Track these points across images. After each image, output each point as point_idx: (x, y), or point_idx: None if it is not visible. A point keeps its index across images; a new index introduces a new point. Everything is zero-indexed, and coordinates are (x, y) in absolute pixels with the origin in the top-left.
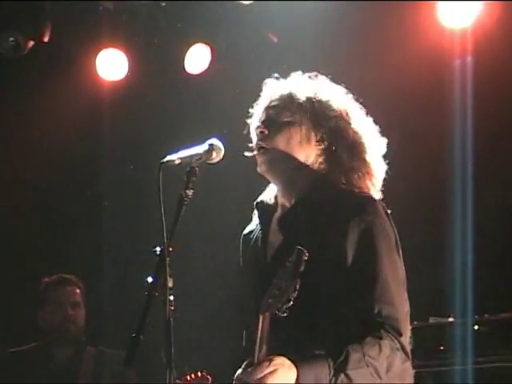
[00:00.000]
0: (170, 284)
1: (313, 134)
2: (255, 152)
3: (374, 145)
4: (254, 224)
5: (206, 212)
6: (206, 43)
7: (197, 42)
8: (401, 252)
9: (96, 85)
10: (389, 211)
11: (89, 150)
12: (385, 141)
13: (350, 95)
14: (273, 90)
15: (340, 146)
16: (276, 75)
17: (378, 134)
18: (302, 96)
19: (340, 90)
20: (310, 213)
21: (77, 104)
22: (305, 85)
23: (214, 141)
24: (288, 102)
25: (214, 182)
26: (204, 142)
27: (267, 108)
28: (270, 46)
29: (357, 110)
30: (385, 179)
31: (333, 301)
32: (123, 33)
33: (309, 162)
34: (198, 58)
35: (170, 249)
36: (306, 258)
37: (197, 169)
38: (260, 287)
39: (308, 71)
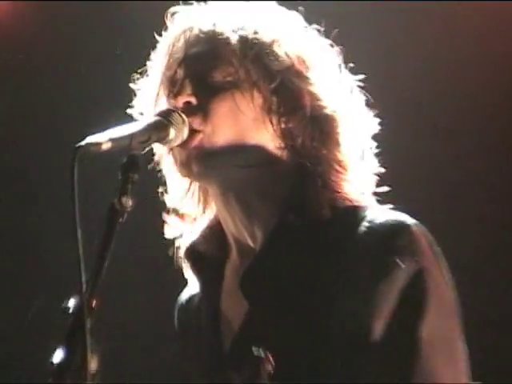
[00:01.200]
0: (93, 366)
1: (273, 103)
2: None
3: (355, 119)
4: (194, 286)
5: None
6: None
7: None
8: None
9: None
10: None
11: None
12: (374, 117)
13: (313, 32)
14: (188, 24)
15: (301, 122)
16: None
17: (362, 103)
18: (243, 34)
19: (293, 17)
20: (297, 257)
21: None
22: (242, 12)
23: (172, 109)
24: (226, 46)
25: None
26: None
27: (185, 58)
28: None
29: (323, 57)
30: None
31: None
32: None
33: (271, 154)
34: None
35: (93, 304)
36: (270, 370)
37: (140, 158)
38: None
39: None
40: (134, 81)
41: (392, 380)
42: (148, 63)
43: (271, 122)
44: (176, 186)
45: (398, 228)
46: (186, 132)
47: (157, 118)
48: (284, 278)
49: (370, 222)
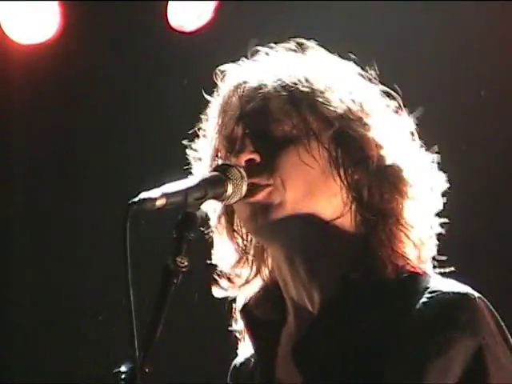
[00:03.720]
0: None
1: (339, 153)
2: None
3: (421, 172)
4: (248, 350)
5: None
6: None
7: None
8: None
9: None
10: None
11: None
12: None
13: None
14: (242, 81)
15: (367, 175)
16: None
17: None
18: (297, 86)
19: (345, 64)
20: (352, 325)
21: None
22: (292, 64)
23: (230, 163)
24: (282, 99)
25: None
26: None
27: (243, 115)
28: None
29: (381, 103)
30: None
31: None
32: None
33: (340, 213)
34: (190, 5)
35: (147, 370)
36: None
37: (198, 216)
38: None
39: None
40: (192, 139)
41: None
42: (202, 123)
43: (338, 174)
44: (227, 249)
45: (459, 302)
46: (244, 188)
47: (213, 172)
48: (338, 347)
49: (431, 292)
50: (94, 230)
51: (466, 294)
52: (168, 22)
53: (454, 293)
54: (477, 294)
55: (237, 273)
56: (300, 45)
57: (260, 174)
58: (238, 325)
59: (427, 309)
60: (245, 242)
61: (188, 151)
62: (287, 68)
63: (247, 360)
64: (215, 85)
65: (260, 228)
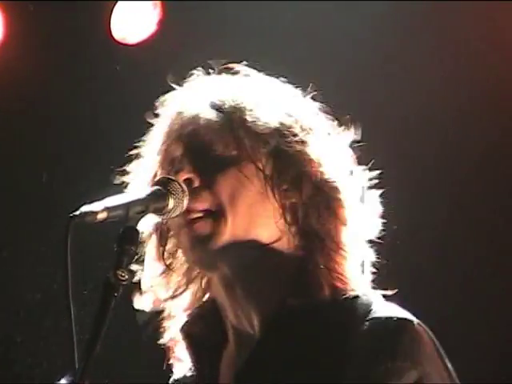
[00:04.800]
0: None
1: (274, 174)
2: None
3: (357, 194)
4: (186, 368)
5: None
6: None
7: None
8: None
9: None
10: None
11: None
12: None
13: (304, 99)
14: (183, 106)
15: (305, 194)
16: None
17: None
18: (232, 106)
19: (284, 87)
20: (293, 349)
21: None
22: (229, 86)
23: (171, 177)
24: (217, 121)
25: None
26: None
27: (182, 136)
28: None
29: (316, 120)
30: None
31: None
32: None
33: (277, 236)
34: (135, 16)
35: None
36: None
37: (138, 230)
38: None
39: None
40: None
41: None
42: (141, 147)
43: (273, 195)
44: (153, 264)
45: (400, 329)
46: (185, 202)
47: (155, 187)
48: (279, 372)
49: (372, 318)
50: (39, 244)
51: (405, 321)
52: (111, 34)
53: (393, 319)
54: (416, 321)
55: (161, 286)
56: (231, 68)
57: (200, 197)
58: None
59: (368, 337)
60: (171, 260)
61: (126, 169)
62: (219, 91)
63: (186, 376)
64: (157, 96)
65: (199, 258)
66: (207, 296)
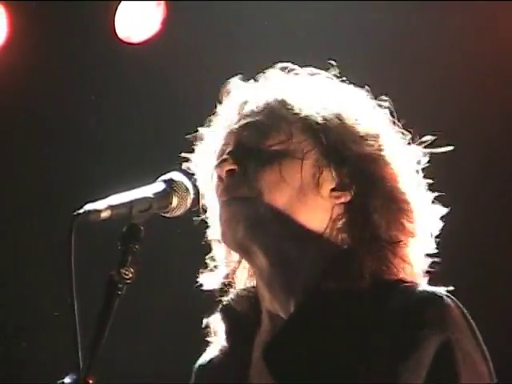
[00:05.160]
0: None
1: (327, 174)
2: (218, 205)
3: (423, 200)
4: (217, 348)
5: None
6: None
7: None
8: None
9: None
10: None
11: None
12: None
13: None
14: (244, 98)
15: (372, 200)
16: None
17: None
18: (303, 106)
19: (361, 94)
20: (322, 328)
21: None
22: (303, 87)
23: (175, 176)
24: (277, 117)
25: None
26: (155, 177)
27: (238, 129)
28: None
29: (395, 137)
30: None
31: None
32: None
33: (319, 227)
34: (138, 16)
35: (90, 382)
36: None
37: (141, 228)
38: None
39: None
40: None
41: None
42: (202, 135)
43: (346, 196)
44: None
45: (428, 300)
46: (189, 200)
47: (159, 185)
48: (307, 350)
49: (403, 293)
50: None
51: (433, 293)
52: (116, 33)
53: (423, 292)
54: (445, 293)
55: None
56: (291, 69)
57: (240, 187)
58: (213, 325)
59: (397, 308)
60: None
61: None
62: (286, 88)
63: (214, 360)
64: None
65: (237, 240)
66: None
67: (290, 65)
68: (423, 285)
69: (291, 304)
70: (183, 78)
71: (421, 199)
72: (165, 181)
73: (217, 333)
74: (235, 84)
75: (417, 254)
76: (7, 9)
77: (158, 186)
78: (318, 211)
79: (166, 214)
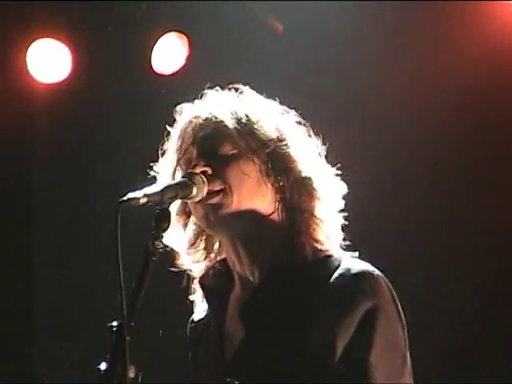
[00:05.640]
0: (132, 374)
1: (269, 167)
2: (194, 202)
3: (326, 180)
4: (202, 310)
5: None
6: (181, 32)
7: (169, 31)
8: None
9: (26, 89)
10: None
11: (18, 179)
12: (339, 180)
13: (285, 112)
14: (194, 115)
15: (290, 181)
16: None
17: (329, 169)
18: (237, 118)
19: (273, 104)
20: (285, 293)
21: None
22: (232, 102)
23: (194, 171)
24: (223, 128)
25: None
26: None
27: (197, 139)
28: (271, 39)
29: (298, 130)
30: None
31: None
32: (64, 16)
33: (271, 210)
34: (169, 53)
35: (132, 324)
36: None
37: (170, 211)
38: None
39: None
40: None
41: None
42: (164, 147)
43: (269, 182)
44: (182, 236)
45: (362, 274)
46: (205, 190)
47: (183, 179)
48: (273, 309)
49: (342, 269)
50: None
51: (368, 270)
52: (152, 68)
53: (358, 268)
54: (375, 271)
55: (191, 253)
56: (237, 89)
57: (213, 182)
58: (195, 293)
59: (338, 281)
60: (195, 232)
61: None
62: (229, 105)
63: (201, 318)
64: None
65: (211, 224)
66: (216, 255)
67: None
68: (353, 260)
69: (257, 270)
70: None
71: (322, 175)
72: (187, 175)
73: (198, 299)
74: (185, 105)
75: (327, 216)
76: (71, 49)
77: (182, 179)
78: (268, 196)
79: (188, 201)
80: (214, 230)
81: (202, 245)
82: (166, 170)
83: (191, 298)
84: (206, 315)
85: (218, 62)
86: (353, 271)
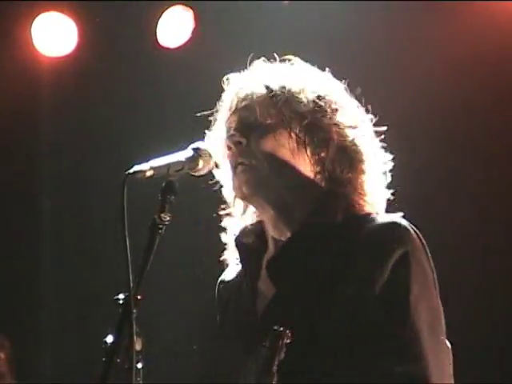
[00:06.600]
0: (138, 346)
1: (306, 138)
2: (229, 171)
3: (373, 153)
4: (235, 269)
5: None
6: (186, 5)
7: (174, 4)
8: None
9: (32, 62)
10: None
11: (25, 151)
12: (386, 154)
13: (337, 82)
14: (239, 86)
15: (331, 152)
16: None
17: (378, 141)
18: (276, 89)
19: (321, 74)
20: (314, 249)
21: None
22: (275, 74)
23: (201, 144)
24: (265, 99)
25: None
26: (185, 145)
27: (237, 110)
28: (278, 18)
29: (350, 104)
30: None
31: (350, 363)
32: None
33: (306, 178)
34: (175, 26)
35: (139, 297)
36: (288, 342)
37: (176, 184)
38: (245, 354)
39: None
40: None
41: (385, 330)
42: (215, 114)
43: (306, 153)
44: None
45: (393, 224)
46: (212, 163)
47: (189, 151)
48: (303, 267)
49: (373, 221)
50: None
51: (397, 221)
52: (157, 41)
53: (388, 219)
54: (406, 223)
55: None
56: (285, 59)
57: (247, 155)
58: (229, 251)
59: (368, 232)
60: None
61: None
62: (272, 76)
63: (233, 278)
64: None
65: (244, 195)
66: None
67: (273, 55)
68: (383, 214)
69: (286, 231)
70: (208, 72)
71: (370, 146)
72: (193, 148)
73: (232, 258)
74: (232, 75)
75: (371, 189)
76: (77, 23)
77: (188, 152)
78: (305, 165)
79: (194, 173)
80: (247, 200)
81: (239, 206)
82: (214, 139)
83: (223, 257)
84: (236, 275)
85: (223, 35)
86: (384, 222)
